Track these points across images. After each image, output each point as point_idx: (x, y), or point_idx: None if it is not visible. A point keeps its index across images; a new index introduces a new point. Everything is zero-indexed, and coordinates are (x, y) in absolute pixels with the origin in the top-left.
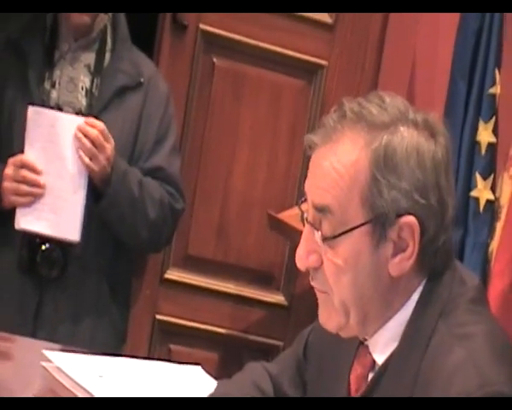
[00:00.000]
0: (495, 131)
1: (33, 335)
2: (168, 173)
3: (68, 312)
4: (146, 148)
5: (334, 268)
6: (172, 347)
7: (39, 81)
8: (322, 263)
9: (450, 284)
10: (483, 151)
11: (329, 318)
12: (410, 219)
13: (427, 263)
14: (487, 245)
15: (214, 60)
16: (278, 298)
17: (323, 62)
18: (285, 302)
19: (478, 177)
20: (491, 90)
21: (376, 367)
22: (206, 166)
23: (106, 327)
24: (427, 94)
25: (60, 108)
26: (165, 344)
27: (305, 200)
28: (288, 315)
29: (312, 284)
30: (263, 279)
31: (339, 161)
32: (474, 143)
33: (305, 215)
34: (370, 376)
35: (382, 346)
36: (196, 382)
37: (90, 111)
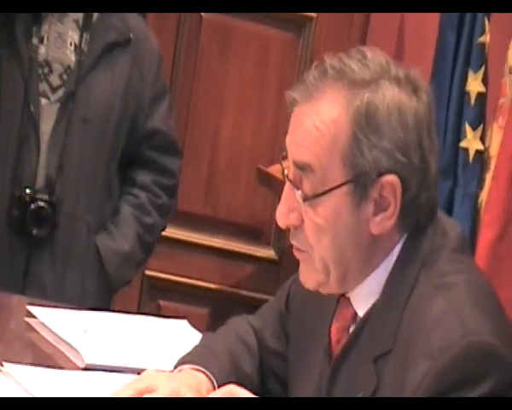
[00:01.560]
0: (484, 81)
1: (23, 292)
2: (165, 136)
3: (57, 269)
4: (143, 106)
5: (315, 227)
6: (162, 302)
7: (27, 37)
8: (302, 221)
9: (432, 237)
10: (472, 101)
11: (309, 276)
12: (392, 177)
13: (409, 220)
14: (477, 196)
15: (202, 13)
16: (268, 253)
17: (312, 14)
18: (275, 257)
19: (467, 127)
20: (481, 39)
21: (358, 319)
22: (194, 121)
23: (95, 284)
24: (416, 44)
25: (49, 64)
26: (154, 300)
27: (286, 156)
28: (278, 270)
29: (292, 242)
30: (252, 234)
31: (320, 120)
32: (464, 94)
33: (286, 172)
34: (352, 328)
35: (364, 298)
36: (181, 335)
37: (79, 67)
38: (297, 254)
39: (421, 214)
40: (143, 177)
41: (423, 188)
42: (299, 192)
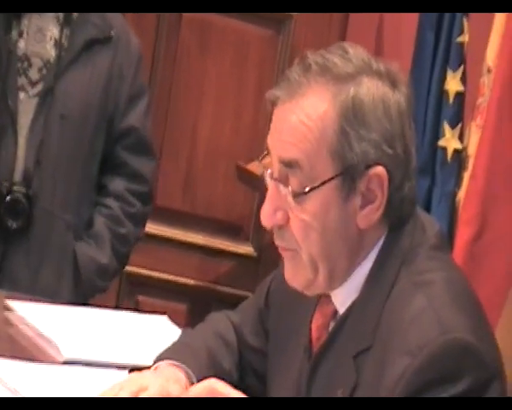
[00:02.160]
0: (463, 80)
1: None
2: (140, 136)
3: (32, 265)
4: (120, 105)
5: (302, 224)
6: (140, 298)
7: (6, 30)
8: (288, 220)
9: (411, 232)
10: (451, 100)
11: (297, 274)
12: (379, 169)
13: (393, 213)
14: (454, 195)
15: None
16: (247, 249)
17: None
18: (254, 253)
19: (446, 126)
20: (459, 39)
21: (338, 316)
22: (173, 118)
23: (69, 284)
24: (395, 43)
25: (28, 59)
26: (133, 296)
27: (267, 155)
28: (257, 266)
29: (277, 243)
30: (231, 230)
31: (306, 115)
32: (442, 93)
33: (269, 171)
34: (332, 325)
35: (344, 296)
36: (161, 331)
37: (58, 62)
38: (283, 253)
39: (404, 206)
40: (116, 184)
41: (406, 178)
42: (289, 189)
